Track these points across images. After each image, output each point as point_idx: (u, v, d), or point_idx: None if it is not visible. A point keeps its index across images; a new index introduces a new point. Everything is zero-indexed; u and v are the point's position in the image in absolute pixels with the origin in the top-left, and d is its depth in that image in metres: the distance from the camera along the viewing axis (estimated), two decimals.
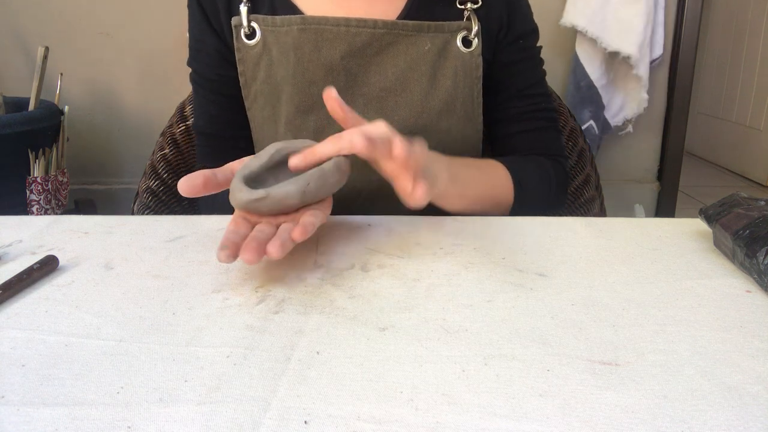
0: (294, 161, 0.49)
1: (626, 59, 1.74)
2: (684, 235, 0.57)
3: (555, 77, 1.91)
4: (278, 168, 0.54)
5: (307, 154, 0.50)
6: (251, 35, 0.70)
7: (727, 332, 0.40)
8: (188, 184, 0.50)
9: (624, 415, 0.32)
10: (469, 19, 0.72)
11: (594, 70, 1.77)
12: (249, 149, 0.77)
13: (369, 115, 0.70)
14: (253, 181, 0.51)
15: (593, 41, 1.75)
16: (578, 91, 1.79)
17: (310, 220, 0.48)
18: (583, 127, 1.80)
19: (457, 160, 0.65)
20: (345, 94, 0.70)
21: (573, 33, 1.81)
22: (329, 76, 0.69)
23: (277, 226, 0.49)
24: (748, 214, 0.50)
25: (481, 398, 0.33)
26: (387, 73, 0.70)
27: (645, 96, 1.79)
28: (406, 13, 0.72)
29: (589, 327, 0.41)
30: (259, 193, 0.48)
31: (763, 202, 0.52)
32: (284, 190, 0.48)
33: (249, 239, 0.46)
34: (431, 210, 0.60)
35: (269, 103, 0.72)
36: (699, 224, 0.58)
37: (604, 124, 1.83)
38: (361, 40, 0.68)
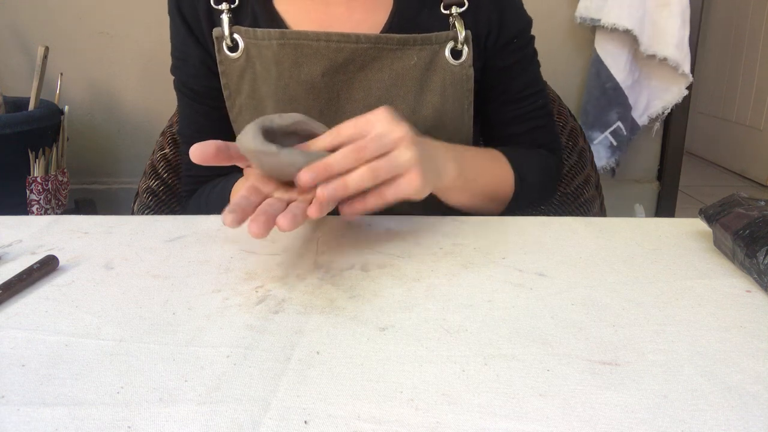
0: (305, 177, 0.47)
1: (664, 60, 1.72)
2: (684, 235, 0.57)
3: (573, 76, 1.89)
4: (292, 137, 0.54)
5: (321, 171, 0.48)
6: (234, 48, 0.68)
7: (727, 332, 0.40)
8: (201, 151, 0.49)
9: (624, 415, 0.32)
10: (455, 25, 0.68)
11: (619, 71, 1.73)
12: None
13: None
14: (268, 138, 0.51)
15: (616, 42, 1.72)
16: (604, 94, 1.75)
17: (324, 201, 0.48)
18: (611, 130, 1.78)
19: (464, 152, 0.64)
20: (328, 112, 0.68)
21: (589, 30, 1.79)
22: (311, 94, 0.67)
23: (287, 204, 0.49)
24: (748, 214, 0.50)
25: (481, 398, 0.33)
26: (371, 90, 0.68)
27: (685, 92, 1.78)
28: (390, 25, 0.69)
29: (589, 327, 0.41)
30: (271, 147, 0.48)
31: (763, 202, 0.52)
32: (292, 156, 0.49)
33: (258, 212, 0.46)
34: (431, 210, 0.60)
35: (255, 118, 0.70)
36: (699, 224, 0.58)
37: (632, 125, 1.81)
38: (344, 56, 0.66)
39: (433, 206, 0.65)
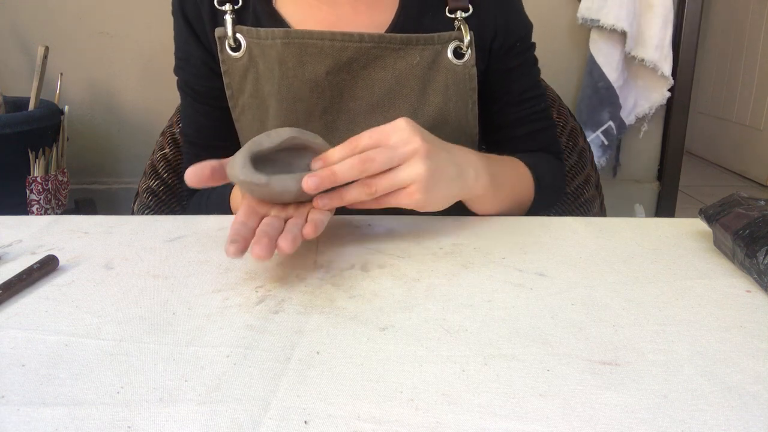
0: (309, 183, 0.48)
1: (641, 62, 1.76)
2: (684, 235, 0.57)
3: (571, 76, 1.90)
4: (285, 151, 0.53)
5: (325, 178, 0.48)
6: (236, 47, 0.68)
7: (727, 332, 0.40)
8: (195, 174, 0.50)
9: (624, 415, 0.32)
10: (459, 29, 0.69)
11: (612, 70, 1.76)
12: None
13: (356, 132, 0.68)
14: (259, 160, 0.51)
15: (610, 42, 1.74)
16: (596, 93, 1.78)
17: (320, 217, 0.49)
18: (603, 129, 1.80)
19: (491, 159, 0.64)
20: (331, 110, 0.69)
21: (587, 31, 1.80)
22: (315, 92, 0.67)
23: (285, 220, 0.50)
24: (748, 214, 0.50)
25: (481, 398, 0.33)
26: (374, 88, 0.68)
27: (667, 94, 1.82)
28: (394, 26, 0.70)
29: (589, 327, 0.41)
30: (260, 178, 0.48)
31: (763, 202, 0.52)
32: (283, 183, 0.48)
33: (259, 234, 0.46)
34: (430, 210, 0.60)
35: (257, 118, 0.71)
36: (699, 224, 0.58)
37: (620, 124, 1.83)
38: (347, 55, 0.66)
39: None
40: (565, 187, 0.83)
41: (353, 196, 0.51)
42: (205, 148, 0.75)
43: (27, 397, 0.33)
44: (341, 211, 0.59)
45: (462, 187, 0.57)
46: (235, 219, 0.48)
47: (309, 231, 0.47)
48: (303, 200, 0.52)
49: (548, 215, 0.66)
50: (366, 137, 0.52)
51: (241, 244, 0.45)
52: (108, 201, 1.99)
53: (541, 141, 0.78)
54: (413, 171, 0.51)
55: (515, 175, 0.70)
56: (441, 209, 0.55)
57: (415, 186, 0.51)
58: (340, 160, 0.50)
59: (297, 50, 0.66)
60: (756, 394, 0.34)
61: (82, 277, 0.48)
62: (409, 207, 0.53)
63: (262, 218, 0.50)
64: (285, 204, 0.52)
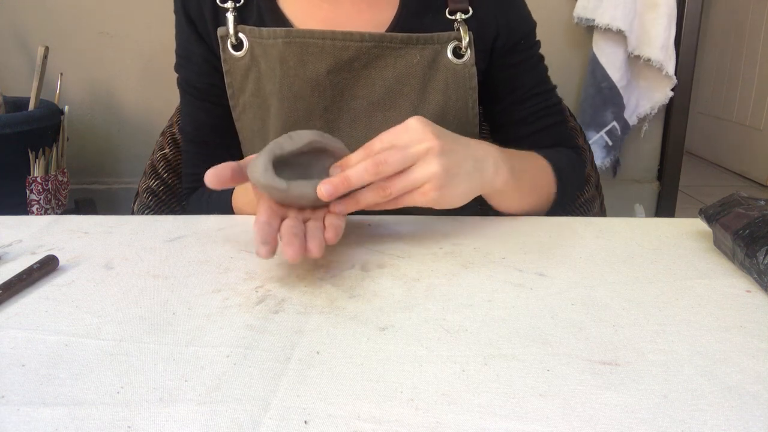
0: (324, 191, 0.49)
1: (648, 61, 1.76)
2: (684, 235, 0.57)
3: (571, 75, 1.90)
4: (307, 155, 0.53)
5: (340, 185, 0.49)
6: (238, 46, 0.68)
7: (727, 332, 0.40)
8: (216, 175, 0.50)
9: (624, 415, 0.32)
10: (459, 30, 0.69)
11: (615, 70, 1.75)
12: (241, 157, 0.76)
13: (357, 130, 0.69)
14: (278, 161, 0.51)
15: (612, 42, 1.74)
16: (600, 93, 1.77)
17: (338, 222, 0.50)
18: (606, 129, 1.79)
19: (510, 153, 0.63)
20: (332, 109, 0.69)
21: (587, 30, 1.80)
22: (315, 91, 0.67)
23: (303, 221, 0.50)
24: (748, 213, 0.50)
25: (481, 398, 0.33)
26: (375, 87, 0.68)
27: (670, 93, 1.81)
28: (395, 25, 0.70)
29: (589, 327, 0.41)
30: (281, 184, 0.48)
31: (763, 202, 0.52)
32: (302, 189, 0.49)
33: (289, 236, 0.47)
34: (431, 210, 0.61)
35: (258, 116, 0.71)
36: (699, 224, 0.58)
37: (624, 125, 1.82)
38: (348, 54, 0.66)
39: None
40: (585, 182, 0.81)
41: (369, 199, 0.51)
42: (205, 146, 0.75)
43: (27, 397, 0.33)
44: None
45: (481, 181, 0.56)
46: (257, 219, 0.48)
47: (330, 236, 0.48)
48: (320, 205, 0.52)
49: (548, 215, 0.66)
50: (378, 141, 0.52)
51: (273, 245, 0.46)
52: (108, 201, 1.99)
53: (557, 136, 0.77)
54: (427, 170, 0.51)
55: (536, 168, 0.69)
56: (460, 205, 0.55)
57: (429, 185, 0.51)
58: None
59: (298, 49, 0.66)
60: (756, 394, 0.34)
61: (82, 277, 0.48)
62: (425, 205, 0.53)
63: (281, 219, 0.50)
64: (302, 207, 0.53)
